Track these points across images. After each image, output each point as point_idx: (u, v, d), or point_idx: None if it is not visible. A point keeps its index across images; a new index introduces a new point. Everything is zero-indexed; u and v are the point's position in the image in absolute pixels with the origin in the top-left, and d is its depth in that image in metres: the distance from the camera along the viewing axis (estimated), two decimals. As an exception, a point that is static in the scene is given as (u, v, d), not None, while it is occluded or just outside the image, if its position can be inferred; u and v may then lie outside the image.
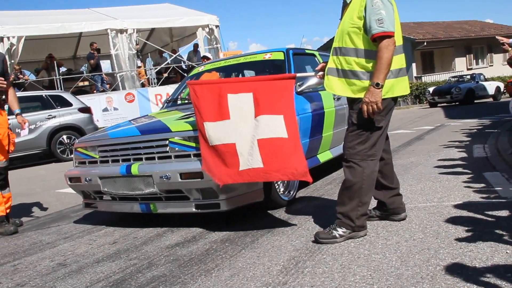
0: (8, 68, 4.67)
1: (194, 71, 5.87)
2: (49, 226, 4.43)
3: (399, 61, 2.90)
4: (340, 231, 2.92)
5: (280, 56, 5.03)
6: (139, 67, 16.00)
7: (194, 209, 3.57)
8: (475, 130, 8.80)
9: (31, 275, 2.97)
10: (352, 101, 2.96)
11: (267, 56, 5.17)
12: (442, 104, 19.78)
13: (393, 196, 3.21)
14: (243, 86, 3.37)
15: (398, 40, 2.84)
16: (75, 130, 11.20)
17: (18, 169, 10.09)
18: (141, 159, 3.72)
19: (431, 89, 20.21)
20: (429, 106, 20.24)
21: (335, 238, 2.91)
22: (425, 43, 25.73)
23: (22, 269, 3.12)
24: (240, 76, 5.87)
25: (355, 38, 2.84)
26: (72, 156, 11.07)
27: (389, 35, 2.73)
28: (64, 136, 11.08)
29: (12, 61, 13.44)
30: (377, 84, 2.73)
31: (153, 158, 3.66)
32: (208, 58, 9.51)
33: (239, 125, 3.26)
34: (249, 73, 6.03)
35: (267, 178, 3.25)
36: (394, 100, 2.98)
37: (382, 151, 3.08)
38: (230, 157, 3.25)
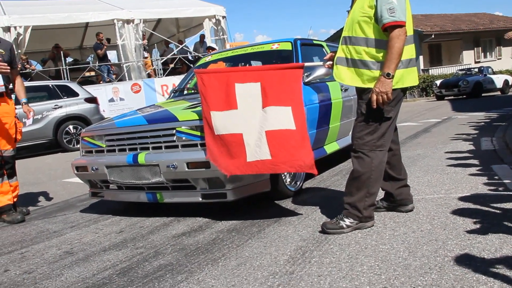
0: (16, 57, 4.67)
1: (201, 61, 5.85)
2: (55, 215, 4.44)
3: (409, 51, 2.86)
4: (347, 221, 2.91)
5: (287, 46, 5.00)
6: (146, 57, 15.98)
7: (200, 199, 3.57)
8: (483, 123, 8.74)
9: (38, 263, 2.98)
10: (361, 91, 2.93)
11: (275, 47, 5.14)
12: (449, 97, 19.66)
13: (401, 187, 3.19)
14: (251, 75, 3.34)
15: (409, 30, 2.81)
16: (81, 120, 11.22)
17: (25, 159, 10.13)
18: (148, 148, 3.71)
19: (438, 82, 20.09)
20: (436, 99, 20.12)
21: (342, 229, 2.90)
22: (432, 36, 25.53)
23: (29, 257, 3.14)
24: (248, 65, 5.84)
25: (366, 28, 2.81)
26: (78, 146, 11.13)
27: (401, 25, 2.69)
28: (71, 126, 11.10)
29: (19, 51, 13.45)
30: (388, 74, 2.70)
31: (160, 147, 3.66)
32: (213, 49, 9.50)
33: (247, 116, 3.25)
34: (256, 64, 6.00)
35: (274, 170, 3.25)
36: (404, 90, 2.95)
37: (393, 143, 3.07)
38: (237, 147, 3.24)
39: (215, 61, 5.83)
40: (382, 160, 2.93)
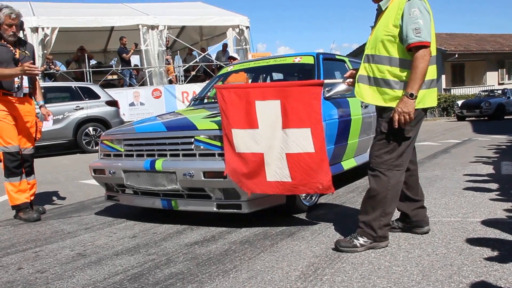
0: (36, 60, 4.79)
1: (223, 71, 5.88)
2: (70, 216, 4.48)
3: (431, 71, 2.85)
4: (362, 240, 2.88)
5: (310, 60, 5.00)
6: (168, 63, 16.13)
7: (215, 209, 3.57)
8: (504, 147, 8.60)
9: (51, 263, 3.01)
10: (381, 110, 2.91)
11: (297, 60, 5.14)
12: (471, 118, 19.42)
13: (417, 209, 3.15)
14: (270, 92, 3.35)
15: (433, 51, 2.79)
16: (101, 122, 11.37)
17: (43, 158, 10.27)
18: (165, 155, 3.74)
19: (460, 102, 19.86)
20: (456, 120, 19.89)
21: (355, 247, 2.87)
22: (456, 55, 25.31)
23: (43, 256, 3.17)
24: (269, 78, 5.86)
25: (390, 46, 2.80)
26: (97, 148, 11.24)
27: (426, 45, 2.68)
28: (90, 128, 11.25)
29: (45, 51, 13.72)
30: (411, 95, 2.69)
31: (178, 155, 3.68)
32: (235, 59, 9.55)
33: (268, 136, 3.30)
34: (277, 76, 6.02)
35: (294, 192, 3.34)
36: (425, 110, 2.93)
37: (411, 163, 3.05)
38: (258, 167, 3.31)
39: (236, 71, 5.87)
40: (400, 180, 2.90)
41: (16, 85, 4.27)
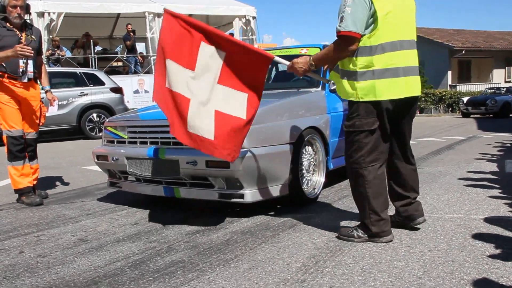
0: (43, 45, 4.78)
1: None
2: (73, 201, 4.49)
3: (386, 60, 2.68)
4: (360, 233, 2.88)
5: (316, 52, 4.97)
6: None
7: (217, 198, 3.56)
8: (509, 144, 8.56)
9: (53, 248, 3.01)
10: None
11: (303, 51, 5.11)
12: (476, 116, 19.33)
13: (406, 205, 3.03)
14: (221, 41, 3.07)
15: (389, 36, 2.68)
16: (105, 109, 11.39)
17: (47, 143, 10.29)
18: (169, 143, 3.73)
19: (465, 99, 19.77)
20: (461, 116, 19.81)
21: (353, 237, 2.89)
22: (463, 52, 25.18)
23: (44, 241, 3.17)
24: (274, 69, 5.83)
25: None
26: (100, 134, 11.28)
27: (345, 35, 2.63)
28: (94, 114, 11.27)
29: (50, 36, 13.68)
30: (312, 61, 2.82)
31: (181, 143, 3.66)
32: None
33: (200, 83, 3.06)
34: (283, 67, 5.99)
35: (212, 153, 3.05)
36: (393, 103, 2.75)
37: (399, 159, 2.97)
38: (181, 111, 3.05)
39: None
40: (377, 176, 2.81)
41: (20, 70, 4.26)
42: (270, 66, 5.83)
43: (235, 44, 3.11)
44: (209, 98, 3.04)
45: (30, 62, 4.34)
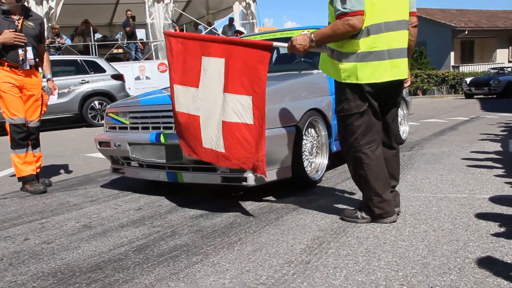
0: (45, 32, 4.74)
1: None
2: (76, 188, 4.50)
3: (370, 43, 2.62)
4: (364, 213, 2.87)
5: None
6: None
7: (220, 182, 3.56)
8: (512, 124, 8.53)
9: (57, 234, 3.02)
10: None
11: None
12: (479, 96, 19.21)
13: None
14: (216, 47, 3.05)
15: (374, 18, 2.60)
16: (107, 96, 11.37)
17: (50, 131, 10.29)
18: (171, 128, 3.71)
19: (468, 80, 19.63)
20: (464, 97, 19.70)
21: (356, 219, 2.88)
22: (466, 32, 24.95)
23: (49, 228, 3.18)
24: (275, 52, 5.78)
25: (330, 13, 2.75)
26: (102, 121, 11.29)
27: (357, 15, 2.55)
28: (96, 102, 11.26)
29: (50, 24, 13.61)
30: (312, 38, 2.69)
31: (183, 128, 3.64)
32: (241, 33, 9.46)
33: (207, 98, 3.10)
34: (284, 50, 5.94)
35: (227, 165, 3.13)
36: (372, 86, 2.69)
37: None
38: (194, 130, 3.16)
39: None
40: (375, 157, 2.77)
41: (20, 58, 4.24)
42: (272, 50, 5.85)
43: (230, 45, 3.03)
44: (216, 110, 3.04)
45: (29, 49, 4.31)
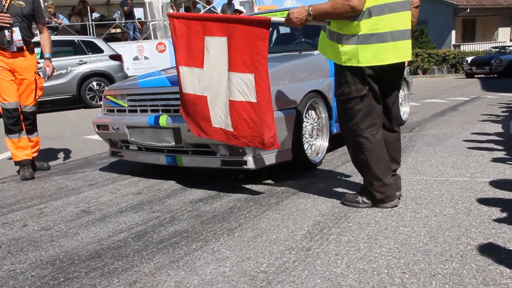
0: (42, 11, 4.59)
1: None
2: (75, 172, 4.47)
3: (371, 25, 2.55)
4: (365, 198, 2.85)
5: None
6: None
7: (220, 165, 3.53)
8: (513, 105, 8.47)
9: (56, 220, 3.00)
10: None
11: (304, 13, 4.97)
12: (480, 76, 19.06)
13: None
14: (219, 27, 3.04)
15: (371, 1, 2.52)
16: (105, 77, 11.28)
17: (48, 113, 10.24)
18: (170, 111, 3.66)
19: (469, 59, 19.44)
20: (465, 77, 19.54)
21: (357, 203, 2.86)
22: (468, 10, 24.65)
23: (47, 213, 3.16)
24: (275, 32, 5.70)
25: None
26: (101, 103, 11.20)
27: None
28: (94, 83, 11.17)
29: (45, 3, 13.42)
30: (309, 12, 2.61)
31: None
32: (240, 12, 9.32)
33: (212, 78, 3.11)
34: (284, 30, 5.85)
35: (236, 143, 3.14)
36: (374, 69, 2.63)
37: (381, 126, 2.83)
38: (202, 110, 3.18)
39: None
40: (375, 141, 2.73)
41: (6, 39, 4.09)
42: (271, 31, 5.76)
43: (231, 24, 3.00)
44: (222, 89, 3.06)
45: (17, 30, 4.13)
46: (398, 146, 2.98)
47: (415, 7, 2.81)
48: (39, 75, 4.45)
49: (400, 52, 2.64)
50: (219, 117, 3.13)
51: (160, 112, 3.71)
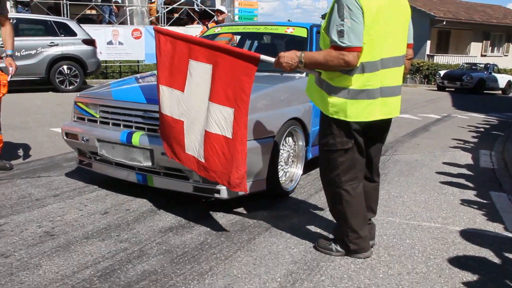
0: (5, 3, 4.30)
1: (210, 32, 5.58)
2: (39, 175, 4.29)
3: (363, 81, 2.48)
4: (338, 247, 2.81)
5: (302, 32, 4.80)
6: (152, 2, 15.43)
7: (192, 191, 3.43)
8: (482, 129, 8.66)
9: (17, 244, 2.84)
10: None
11: (289, 31, 4.92)
12: (451, 89, 19.44)
13: None
14: (205, 53, 2.91)
15: (371, 54, 2.45)
16: (76, 61, 10.94)
17: (14, 93, 9.82)
18: (143, 129, 3.53)
19: (442, 72, 19.80)
20: (437, 89, 19.90)
21: (331, 251, 2.83)
22: (444, 22, 25.06)
23: (8, 233, 2.99)
24: (256, 43, 5.60)
25: (323, 40, 2.59)
26: (70, 87, 10.87)
27: (355, 51, 2.38)
28: (65, 67, 10.82)
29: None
30: (302, 56, 2.52)
31: (156, 131, 3.47)
32: (222, 12, 9.15)
33: (192, 104, 3.00)
34: (267, 40, 5.77)
35: (206, 176, 3.02)
36: (360, 124, 2.58)
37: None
38: (177, 135, 3.09)
39: (224, 33, 5.60)
40: (355, 194, 2.69)
41: None
42: (251, 44, 5.66)
43: (218, 53, 2.86)
44: (200, 118, 2.95)
45: None
46: (376, 196, 2.95)
47: (408, 59, 2.77)
48: (2, 71, 4.19)
49: (387, 108, 2.59)
50: (194, 145, 3.02)
51: (134, 129, 3.57)
